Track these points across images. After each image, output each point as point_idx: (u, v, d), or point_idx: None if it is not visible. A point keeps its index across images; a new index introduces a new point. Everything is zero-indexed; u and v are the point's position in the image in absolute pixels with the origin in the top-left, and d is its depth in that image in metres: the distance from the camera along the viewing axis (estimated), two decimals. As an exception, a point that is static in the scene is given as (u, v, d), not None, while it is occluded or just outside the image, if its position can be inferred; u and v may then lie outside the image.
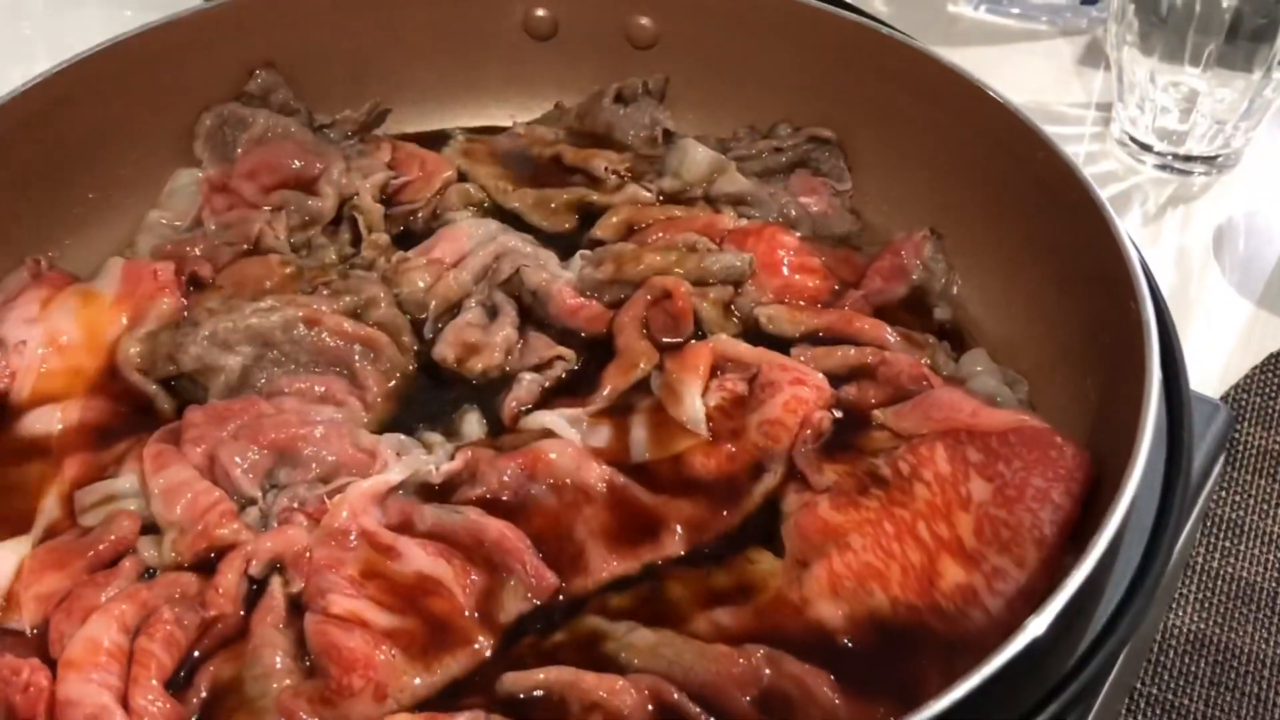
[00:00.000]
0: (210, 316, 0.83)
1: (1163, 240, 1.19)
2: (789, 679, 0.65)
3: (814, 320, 0.86)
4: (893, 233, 0.94)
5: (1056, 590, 0.59)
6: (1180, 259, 1.18)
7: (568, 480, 0.75)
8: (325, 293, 0.85)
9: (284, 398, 0.80)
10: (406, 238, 0.95)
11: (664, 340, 0.84)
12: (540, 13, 1.03)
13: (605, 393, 0.81)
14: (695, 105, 1.05)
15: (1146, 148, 1.24)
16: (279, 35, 0.99)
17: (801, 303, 0.88)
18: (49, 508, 0.75)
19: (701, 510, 0.75)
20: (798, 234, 0.93)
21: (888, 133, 0.96)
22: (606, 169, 0.98)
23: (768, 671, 0.66)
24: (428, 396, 0.84)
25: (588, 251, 0.90)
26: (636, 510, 0.75)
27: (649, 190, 0.97)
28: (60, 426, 0.80)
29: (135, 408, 0.82)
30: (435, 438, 0.79)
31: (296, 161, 0.96)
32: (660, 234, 0.91)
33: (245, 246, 0.91)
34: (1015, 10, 1.39)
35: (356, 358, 0.83)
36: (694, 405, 0.79)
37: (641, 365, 0.82)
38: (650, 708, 0.64)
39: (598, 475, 0.76)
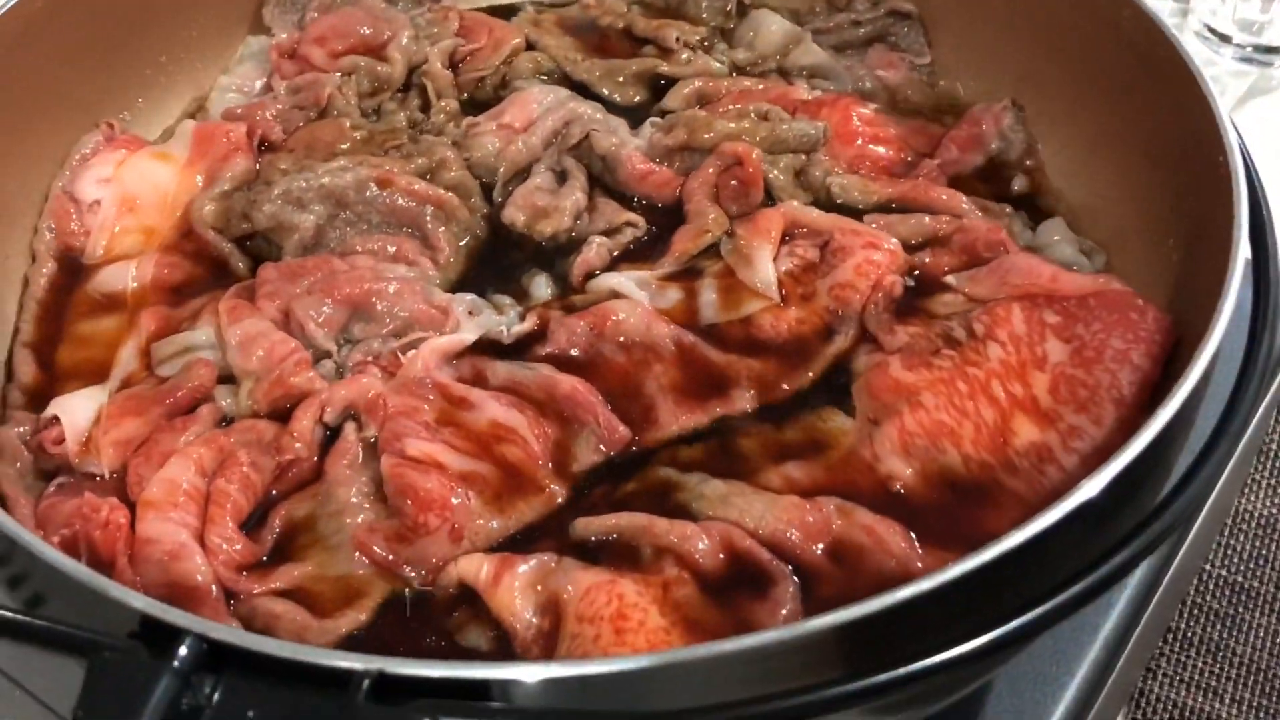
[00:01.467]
0: (283, 176, 0.83)
1: (1243, 132, 1.16)
2: (861, 529, 0.65)
3: (887, 190, 0.84)
4: (972, 105, 0.92)
5: (1128, 444, 0.58)
6: (1259, 152, 1.14)
7: (637, 339, 0.75)
8: (397, 155, 0.85)
9: (357, 256, 0.80)
10: (475, 105, 0.94)
11: (733, 208, 0.83)
12: (612, -119, 1.01)
13: (675, 256, 0.81)
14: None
15: (1225, 39, 1.21)
16: (348, -99, 0.98)
17: (874, 173, 0.87)
18: (126, 359, 0.76)
19: (771, 369, 0.75)
20: (874, 105, 0.91)
21: (967, 2, 0.94)
22: (678, 40, 0.96)
23: (838, 522, 0.65)
24: (497, 258, 0.83)
25: (658, 119, 0.89)
26: (706, 367, 0.75)
27: (721, 63, 0.96)
28: (134, 283, 0.81)
29: (209, 267, 0.83)
30: (505, 300, 0.79)
31: (365, 28, 0.95)
32: (733, 104, 0.90)
33: (315, 111, 0.91)
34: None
35: (428, 219, 0.82)
36: (766, 269, 0.78)
37: (711, 230, 0.81)
38: (721, 555, 0.65)
39: (667, 334, 0.75)
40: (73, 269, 0.83)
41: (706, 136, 0.85)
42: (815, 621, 0.53)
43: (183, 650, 0.47)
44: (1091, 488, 0.56)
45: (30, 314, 0.81)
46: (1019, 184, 0.87)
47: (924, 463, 0.69)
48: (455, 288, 0.81)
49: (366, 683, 0.47)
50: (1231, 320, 0.64)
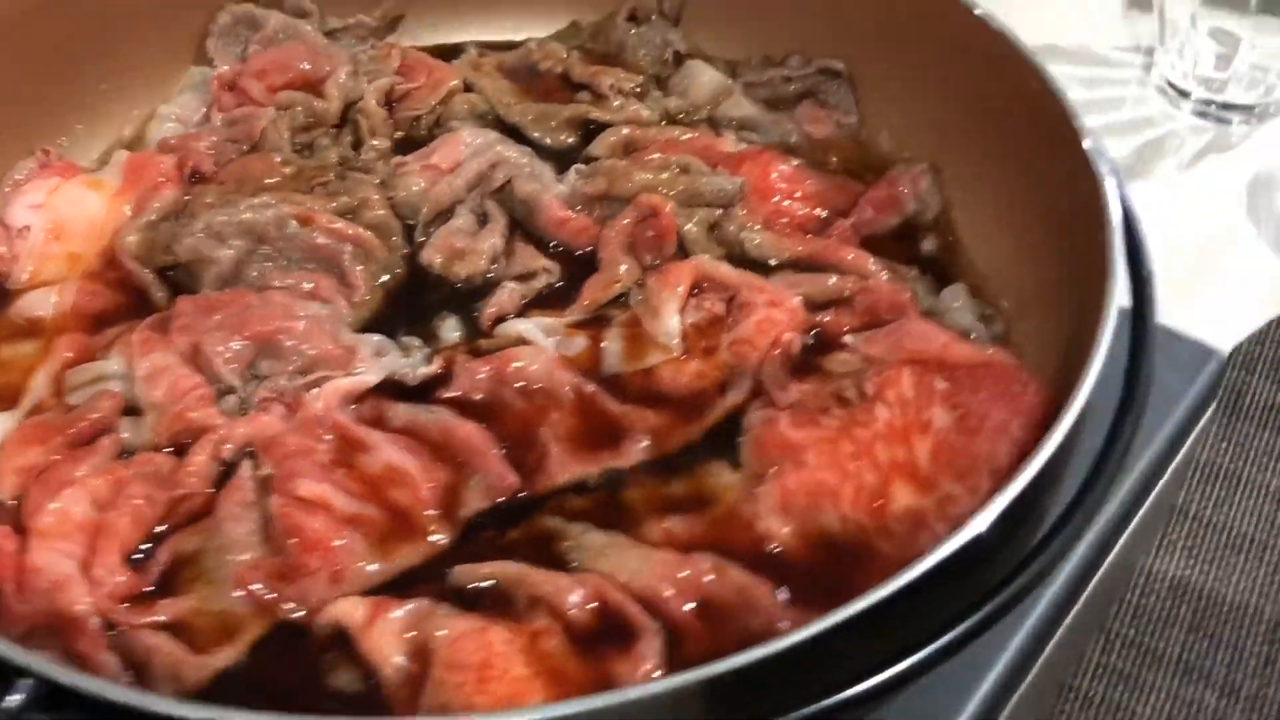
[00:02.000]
0: (207, 210, 0.85)
1: (1196, 188, 1.17)
2: (732, 587, 0.67)
3: (798, 247, 0.86)
4: (893, 165, 0.93)
5: (984, 505, 0.60)
6: (1212, 209, 1.16)
7: (538, 386, 0.77)
8: (322, 192, 0.87)
9: (273, 291, 0.82)
10: (409, 144, 0.96)
11: (647, 258, 0.85)
12: (558, -74, 1.03)
13: (584, 304, 0.82)
14: (710, 28, 1.04)
15: (1184, 94, 1.22)
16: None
17: (790, 229, 0.88)
18: (38, 386, 0.78)
19: (666, 421, 0.76)
20: (796, 161, 0.92)
21: (895, 65, 0.96)
22: (612, 86, 0.98)
23: (710, 579, 0.67)
24: (414, 299, 0.85)
25: (583, 166, 0.91)
26: (602, 418, 0.76)
27: (652, 110, 0.97)
28: (54, 310, 0.83)
29: (131, 296, 0.85)
30: (414, 342, 0.81)
31: (305, 63, 0.97)
32: (658, 154, 0.91)
33: (248, 144, 0.93)
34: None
35: (346, 257, 0.84)
36: (670, 321, 0.80)
37: (621, 281, 0.83)
38: (592, 607, 0.66)
39: (567, 382, 0.77)
40: (-1, 293, 0.85)
41: (625, 186, 0.87)
42: (672, 680, 0.55)
43: (18, 691, 0.49)
44: (931, 560, 0.58)
45: (-49, 336, 0.82)
46: (929, 245, 0.89)
47: (802, 522, 0.71)
48: (370, 326, 0.83)
49: (194, 731, 0.48)
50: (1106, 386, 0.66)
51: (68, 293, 0.83)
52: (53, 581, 0.66)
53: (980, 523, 0.60)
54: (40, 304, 0.83)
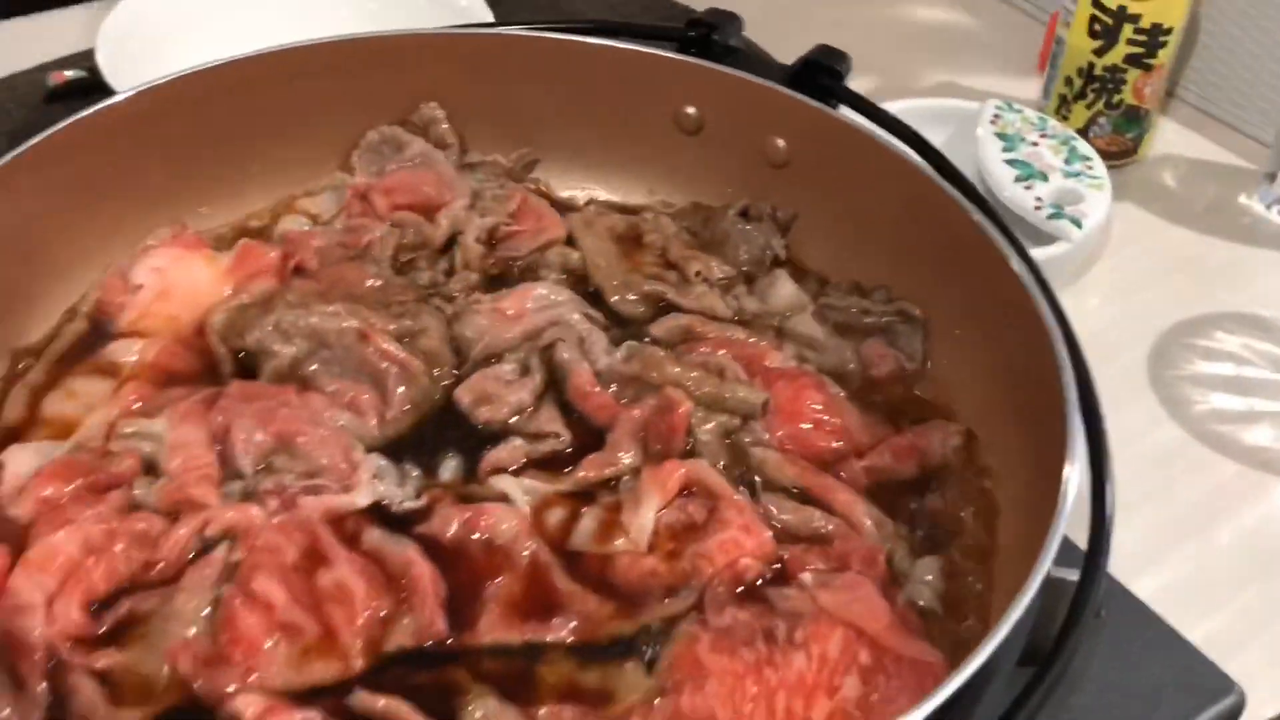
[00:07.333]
0: (285, 308, 0.94)
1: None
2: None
3: (799, 477, 0.88)
4: (934, 416, 0.95)
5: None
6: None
7: (500, 544, 0.82)
8: (386, 314, 0.95)
9: (314, 395, 0.90)
10: (500, 282, 1.03)
11: (655, 448, 0.89)
12: (689, 110, 1.09)
13: (577, 477, 0.87)
14: (815, 244, 1.08)
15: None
16: (451, 75, 1.10)
17: (803, 454, 0.91)
18: (91, 425, 0.88)
19: (604, 609, 0.80)
20: (838, 391, 0.95)
21: (969, 318, 0.97)
22: (698, 274, 1.03)
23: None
24: (437, 429, 0.92)
25: (634, 343, 0.96)
26: (546, 589, 0.81)
27: (729, 305, 1.02)
28: (136, 358, 0.93)
29: (205, 366, 0.95)
30: (414, 471, 0.88)
31: (430, 189, 1.06)
32: (705, 348, 0.96)
33: (354, 252, 1.02)
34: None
35: (391, 378, 0.92)
36: (646, 517, 0.84)
37: (619, 466, 0.87)
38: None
39: (528, 547, 0.82)
40: (98, 333, 0.97)
41: (654, 375, 0.92)
42: None
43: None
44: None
45: (47, 360, 0.94)
46: (935, 502, 0.89)
47: (681, 747, 0.73)
48: (390, 445, 0.90)
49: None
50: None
51: (152, 348, 0.94)
52: (17, 605, 0.75)
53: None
54: (126, 351, 0.94)
